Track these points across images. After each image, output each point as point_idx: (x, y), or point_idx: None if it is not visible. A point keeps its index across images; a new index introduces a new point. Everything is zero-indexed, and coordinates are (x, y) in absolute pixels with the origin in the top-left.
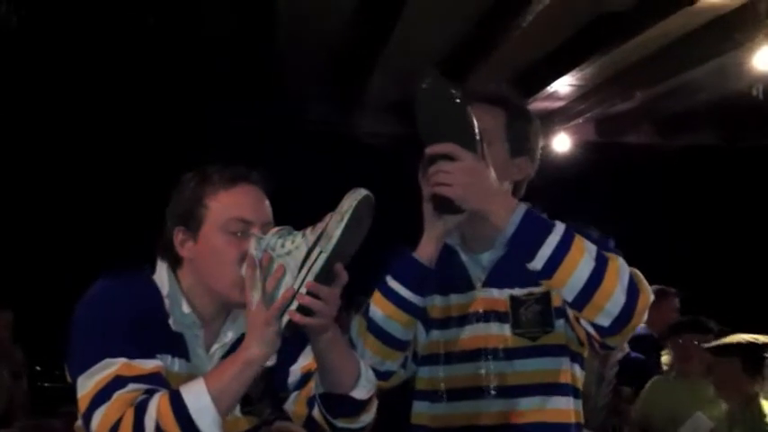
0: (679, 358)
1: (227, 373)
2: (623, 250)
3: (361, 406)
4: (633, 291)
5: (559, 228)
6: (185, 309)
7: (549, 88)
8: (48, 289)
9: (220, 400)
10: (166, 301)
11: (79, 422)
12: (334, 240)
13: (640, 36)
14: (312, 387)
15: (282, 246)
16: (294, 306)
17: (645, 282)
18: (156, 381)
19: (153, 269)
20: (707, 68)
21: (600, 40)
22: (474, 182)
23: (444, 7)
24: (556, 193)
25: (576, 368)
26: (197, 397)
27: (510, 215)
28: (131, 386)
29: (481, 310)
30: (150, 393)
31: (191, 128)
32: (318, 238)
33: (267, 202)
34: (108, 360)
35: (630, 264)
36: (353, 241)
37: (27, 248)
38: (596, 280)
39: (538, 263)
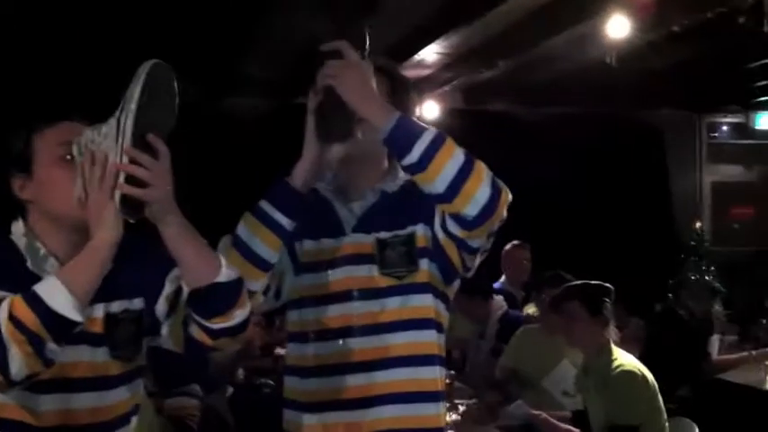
0: (544, 313)
1: (76, 262)
2: None
3: (230, 296)
4: (496, 185)
5: (433, 129)
6: (41, 250)
7: (416, 56)
8: None
9: (72, 283)
10: (23, 242)
11: None
12: (135, 97)
13: (502, 6)
14: (182, 310)
15: (99, 134)
16: (122, 179)
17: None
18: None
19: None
20: (564, 38)
21: (464, 10)
22: (358, 78)
23: None
24: None
25: (441, 305)
26: (46, 283)
27: (388, 115)
28: None
29: (350, 254)
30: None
31: None
32: (122, 106)
33: None
34: None
35: None
36: (160, 107)
37: None
38: (467, 170)
39: (415, 154)
